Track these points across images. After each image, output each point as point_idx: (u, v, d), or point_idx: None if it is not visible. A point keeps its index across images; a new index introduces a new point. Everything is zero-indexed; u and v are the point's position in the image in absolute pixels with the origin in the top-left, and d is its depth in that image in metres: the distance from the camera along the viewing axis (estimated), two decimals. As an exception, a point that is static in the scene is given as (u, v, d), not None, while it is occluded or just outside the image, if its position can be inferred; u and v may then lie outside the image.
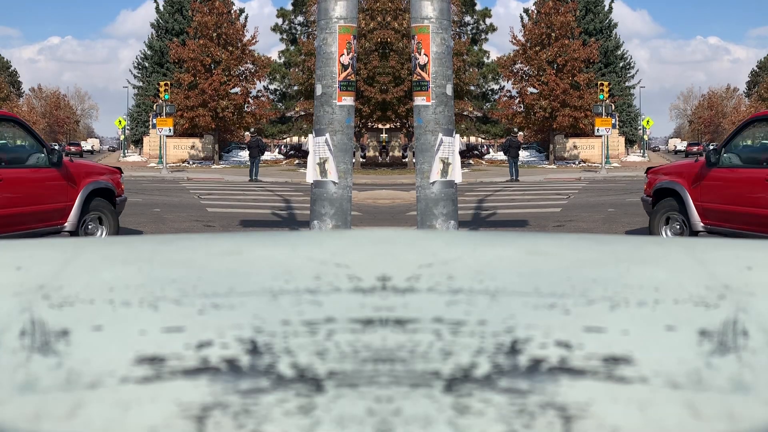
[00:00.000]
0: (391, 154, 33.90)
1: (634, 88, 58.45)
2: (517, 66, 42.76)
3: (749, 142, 10.53)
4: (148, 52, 55.27)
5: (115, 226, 9.66)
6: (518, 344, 0.67)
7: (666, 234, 9.37)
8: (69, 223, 9.04)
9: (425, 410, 0.55)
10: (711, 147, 10.46)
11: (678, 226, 9.25)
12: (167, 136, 35.37)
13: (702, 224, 8.88)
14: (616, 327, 0.73)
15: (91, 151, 78.42)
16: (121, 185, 10.01)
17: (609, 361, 0.64)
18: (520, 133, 41.18)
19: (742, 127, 9.06)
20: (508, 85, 44.45)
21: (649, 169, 10.41)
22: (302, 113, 41.66)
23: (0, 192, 8.17)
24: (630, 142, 58.71)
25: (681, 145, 78.61)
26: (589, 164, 41.29)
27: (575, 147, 44.56)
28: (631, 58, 57.81)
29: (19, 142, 10.20)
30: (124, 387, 0.60)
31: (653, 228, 9.47)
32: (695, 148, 63.14)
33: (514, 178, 28.40)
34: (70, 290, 0.85)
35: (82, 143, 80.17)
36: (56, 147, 9.99)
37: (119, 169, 10.46)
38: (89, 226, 9.37)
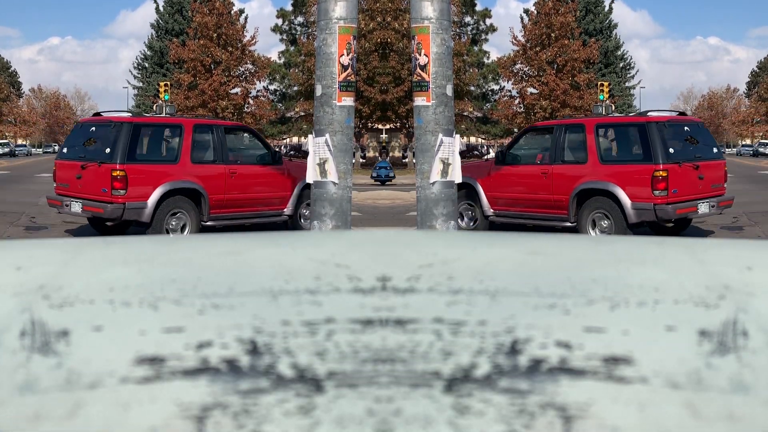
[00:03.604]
0: (391, 154, 33.90)
1: (634, 88, 58.49)
2: (517, 66, 42.75)
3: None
4: (148, 53, 55.30)
5: None
6: (518, 344, 0.67)
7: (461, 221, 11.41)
8: (288, 210, 11.20)
9: (425, 410, 0.55)
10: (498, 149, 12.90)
11: (471, 213, 11.39)
12: (167, 136, 35.32)
13: (492, 210, 11.12)
14: (616, 327, 0.73)
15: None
16: None
17: (609, 361, 0.64)
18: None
19: (521, 135, 11.63)
20: (508, 85, 44.46)
21: None
22: (302, 114, 41.63)
23: (235, 182, 10.77)
24: (630, 143, 58.62)
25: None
26: (589, 164, 41.25)
27: (575, 147, 44.51)
28: (631, 58, 57.90)
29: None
30: (124, 387, 0.60)
31: None
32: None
33: None
34: (70, 290, 0.85)
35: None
36: (277, 149, 11.96)
37: None
38: (304, 213, 11.22)
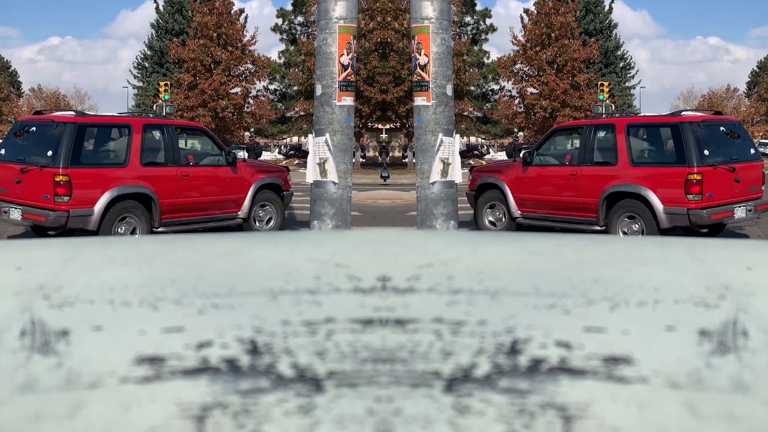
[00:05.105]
0: (391, 154, 33.89)
1: (634, 88, 58.45)
2: (517, 66, 42.75)
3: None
4: (148, 53, 55.27)
5: (282, 217, 11.47)
6: (518, 344, 0.67)
7: (486, 220, 11.44)
8: (242, 212, 10.80)
9: (425, 410, 0.55)
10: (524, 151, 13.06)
11: (499, 214, 11.33)
12: (167, 136, 35.31)
13: (519, 212, 10.97)
14: (616, 327, 0.73)
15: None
16: (288, 182, 11.72)
17: (609, 361, 0.64)
18: (521, 134, 41.30)
19: (549, 136, 11.22)
20: (508, 85, 44.46)
21: (472, 168, 12.95)
22: (302, 113, 41.62)
23: (188, 184, 10.24)
24: (630, 143, 58.61)
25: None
26: (589, 164, 41.23)
27: (575, 147, 44.49)
28: (631, 58, 57.81)
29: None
30: (124, 387, 0.60)
31: (477, 218, 11.48)
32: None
33: None
34: (70, 290, 0.85)
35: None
36: (232, 151, 11.76)
37: (287, 168, 12.50)
38: (259, 215, 11.18)
